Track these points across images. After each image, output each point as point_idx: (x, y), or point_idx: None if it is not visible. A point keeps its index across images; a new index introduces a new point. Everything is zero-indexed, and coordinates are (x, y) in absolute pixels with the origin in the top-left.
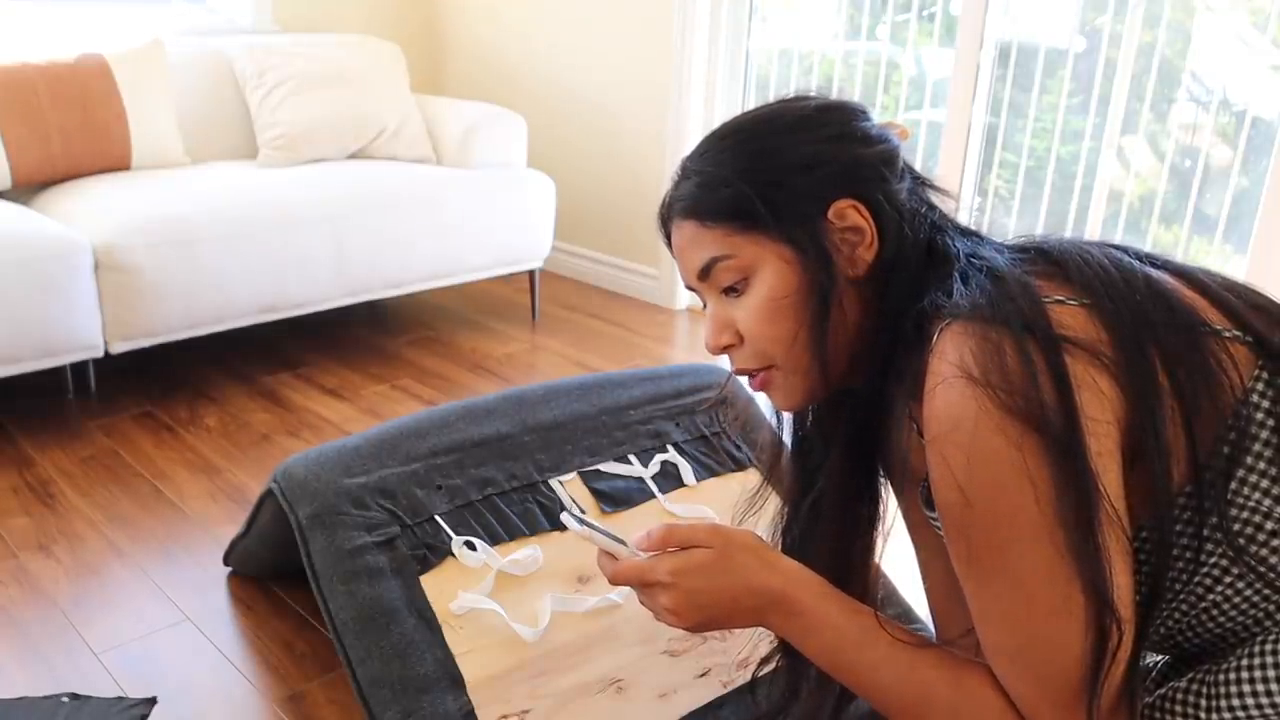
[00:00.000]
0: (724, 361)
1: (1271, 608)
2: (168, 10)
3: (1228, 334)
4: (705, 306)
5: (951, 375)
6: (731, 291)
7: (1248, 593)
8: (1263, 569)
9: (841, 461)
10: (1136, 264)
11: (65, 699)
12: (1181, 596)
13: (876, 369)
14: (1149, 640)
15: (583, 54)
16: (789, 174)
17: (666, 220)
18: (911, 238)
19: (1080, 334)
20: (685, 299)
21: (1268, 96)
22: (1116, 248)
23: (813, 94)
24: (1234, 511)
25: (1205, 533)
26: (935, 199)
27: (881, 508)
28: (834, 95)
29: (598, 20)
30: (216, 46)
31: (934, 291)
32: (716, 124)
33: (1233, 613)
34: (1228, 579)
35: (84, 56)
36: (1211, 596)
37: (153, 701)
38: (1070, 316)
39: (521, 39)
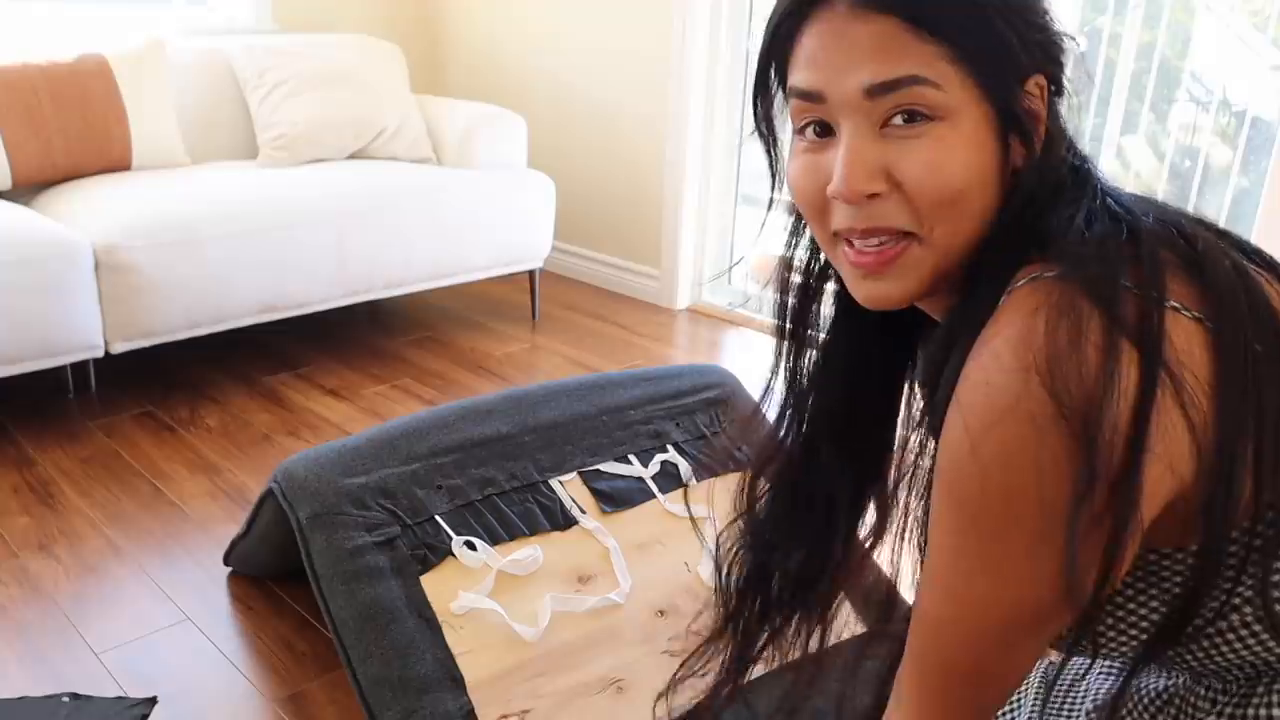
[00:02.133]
0: (725, 359)
1: None
2: (168, 10)
3: None
4: (767, 132)
5: (1006, 354)
6: (899, 123)
7: (1262, 638)
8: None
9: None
10: (1254, 271)
11: (65, 699)
12: (1204, 625)
13: (978, 279)
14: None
15: (583, 54)
16: (1015, 17)
17: (860, 2)
18: (1071, 147)
19: (1184, 363)
20: (685, 299)
21: (1268, 96)
22: (1221, 235)
23: None
24: (1277, 565)
25: (1248, 571)
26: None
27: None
28: None
29: (598, 20)
30: (216, 46)
31: (1057, 215)
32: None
33: (1243, 650)
34: (1236, 616)
35: (84, 56)
36: (1213, 628)
37: (153, 701)
38: (1184, 334)
39: (521, 39)
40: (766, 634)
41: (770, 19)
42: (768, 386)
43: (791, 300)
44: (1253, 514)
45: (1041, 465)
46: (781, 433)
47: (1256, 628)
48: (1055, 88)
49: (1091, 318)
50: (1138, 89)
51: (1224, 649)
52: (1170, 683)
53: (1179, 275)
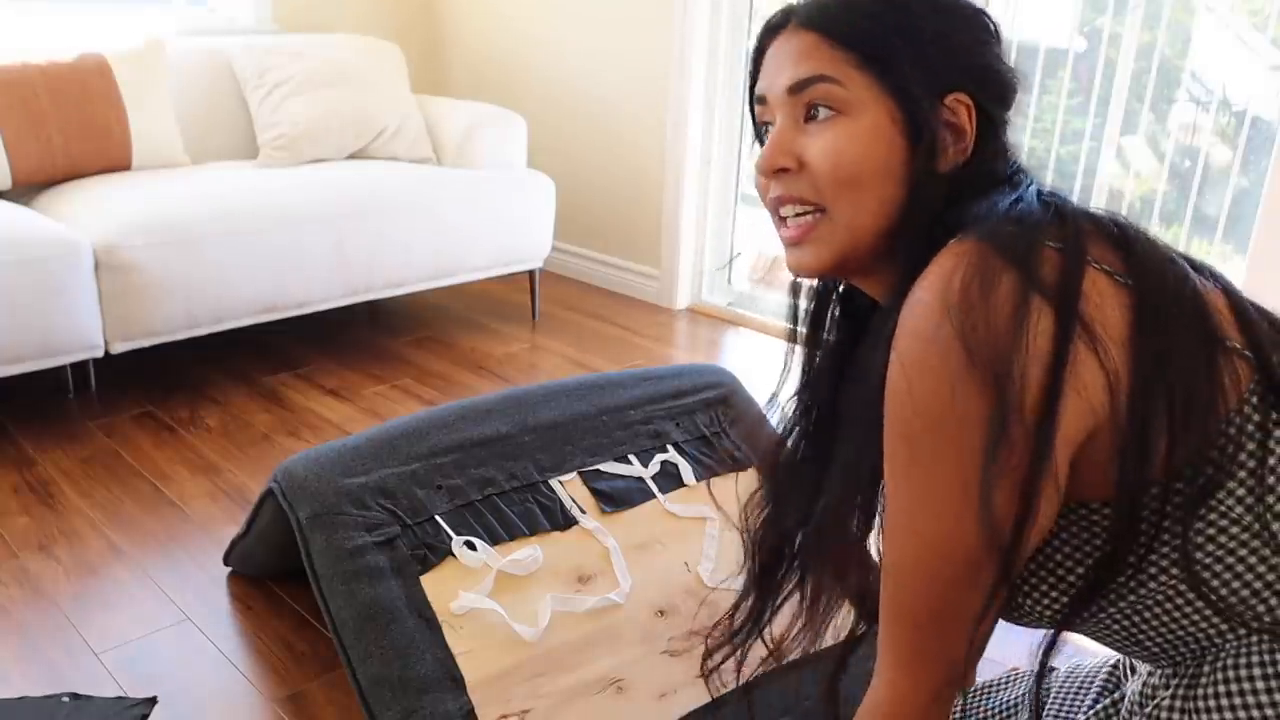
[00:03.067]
0: (725, 359)
1: (1223, 624)
2: (168, 10)
3: (1231, 343)
4: (760, 135)
5: (928, 302)
6: (813, 118)
7: (1187, 610)
8: (1205, 589)
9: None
10: (1189, 269)
11: (65, 699)
12: (1122, 587)
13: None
14: (1106, 638)
15: (583, 54)
16: (931, 42)
17: (778, 26)
18: (1003, 165)
19: (1095, 317)
20: (685, 299)
21: (1268, 96)
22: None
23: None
24: (1198, 525)
25: (1165, 527)
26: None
27: None
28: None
29: (598, 20)
30: (216, 46)
31: (982, 204)
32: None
33: (1178, 617)
34: (1168, 575)
35: (84, 56)
36: (1143, 591)
37: (153, 701)
38: (1099, 290)
39: (521, 39)
40: (783, 594)
41: (753, 50)
42: (775, 392)
43: (804, 303)
44: (1168, 472)
45: (958, 409)
46: (787, 428)
47: (1191, 595)
48: (983, 111)
49: (1003, 272)
50: (1138, 89)
51: (1157, 623)
52: (1134, 686)
53: (1102, 242)
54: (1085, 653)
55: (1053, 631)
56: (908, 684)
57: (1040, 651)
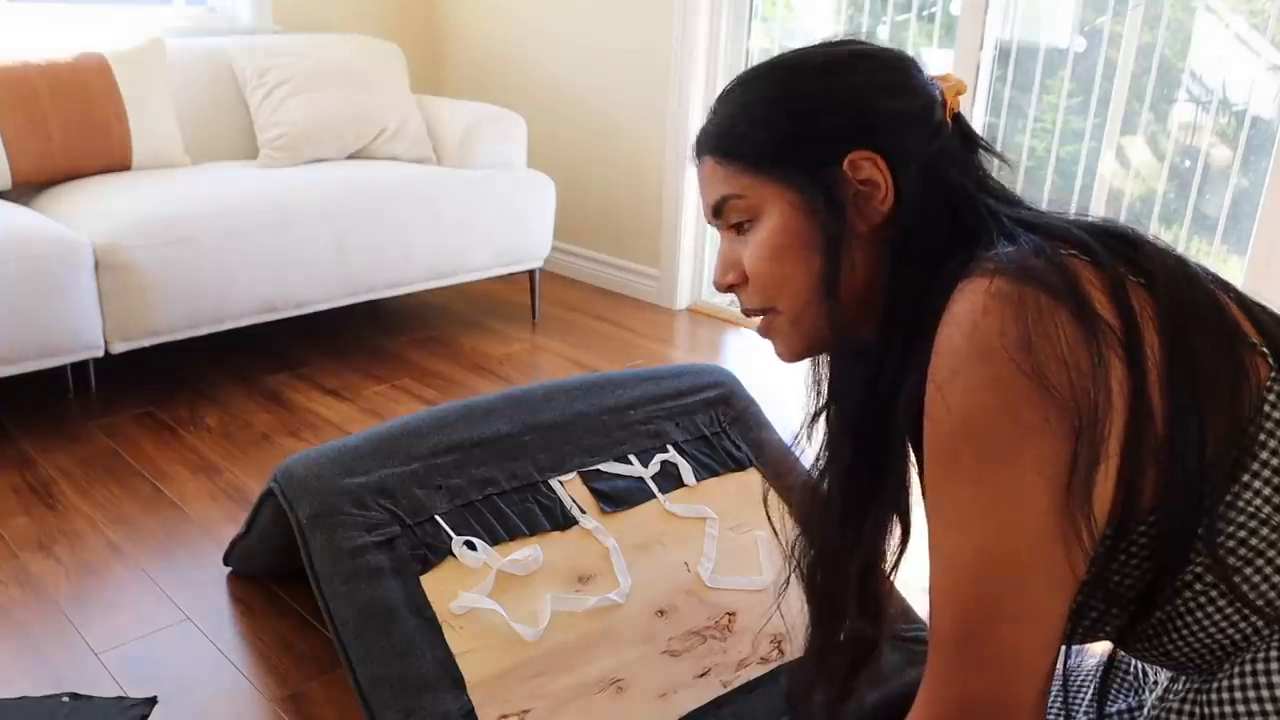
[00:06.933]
0: (725, 359)
1: (1249, 629)
2: (168, 10)
3: (1250, 339)
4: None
5: (977, 339)
6: (740, 229)
7: (1222, 603)
8: (1237, 578)
9: (857, 426)
10: (1198, 268)
11: (65, 699)
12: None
13: (898, 328)
14: (1133, 646)
15: (583, 54)
16: (806, 119)
17: (696, 156)
18: (936, 197)
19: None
20: (685, 299)
21: (1268, 96)
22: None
23: (859, 40)
24: (1222, 524)
25: (1198, 534)
26: (989, 164)
27: (908, 493)
28: (881, 44)
29: (598, 20)
30: (216, 46)
31: (973, 247)
32: None
33: (1209, 625)
34: (1199, 585)
35: (84, 56)
36: (1178, 600)
37: (153, 701)
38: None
39: (521, 39)
40: (844, 627)
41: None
42: (798, 435)
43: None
44: (1202, 463)
45: (1033, 448)
46: (816, 469)
47: (1221, 601)
48: (888, 152)
49: (1053, 304)
50: (1138, 89)
51: (1188, 632)
52: (1154, 695)
53: (1117, 252)
54: (1085, 652)
55: (1116, 639)
56: (933, 700)
57: (1099, 671)
